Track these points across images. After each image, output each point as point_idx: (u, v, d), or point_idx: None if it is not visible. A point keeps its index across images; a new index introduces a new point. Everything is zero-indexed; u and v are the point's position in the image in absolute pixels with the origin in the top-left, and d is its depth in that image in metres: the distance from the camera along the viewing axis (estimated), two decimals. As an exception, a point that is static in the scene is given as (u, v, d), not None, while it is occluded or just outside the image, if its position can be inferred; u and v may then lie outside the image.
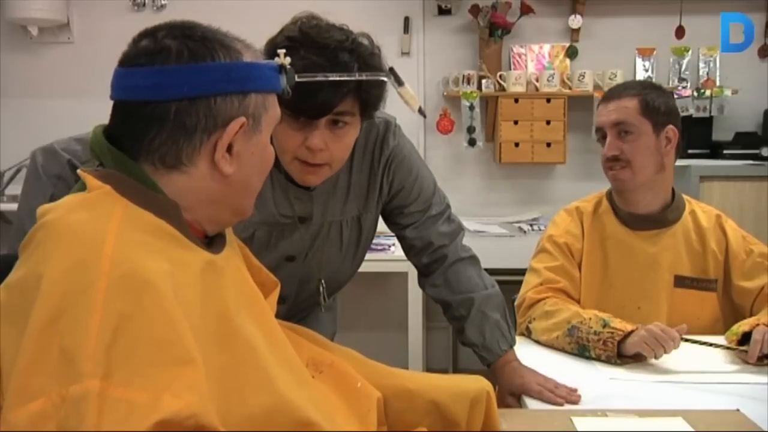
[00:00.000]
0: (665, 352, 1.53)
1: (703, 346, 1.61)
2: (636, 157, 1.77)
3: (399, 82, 1.30)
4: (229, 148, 0.93)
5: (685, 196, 1.90)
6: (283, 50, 1.02)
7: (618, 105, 1.78)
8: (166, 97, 0.90)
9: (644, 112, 1.76)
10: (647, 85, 1.88)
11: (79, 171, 0.93)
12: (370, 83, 1.28)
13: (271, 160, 1.02)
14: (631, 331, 1.58)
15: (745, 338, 1.61)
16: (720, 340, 1.68)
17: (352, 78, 1.23)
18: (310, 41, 1.25)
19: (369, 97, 1.30)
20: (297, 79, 1.04)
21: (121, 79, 0.93)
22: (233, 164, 0.94)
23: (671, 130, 1.78)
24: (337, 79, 1.22)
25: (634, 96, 1.78)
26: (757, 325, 1.62)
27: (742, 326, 1.65)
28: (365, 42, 1.31)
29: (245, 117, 0.93)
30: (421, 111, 1.35)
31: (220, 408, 0.83)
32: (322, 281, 1.56)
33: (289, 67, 1.00)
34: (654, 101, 1.77)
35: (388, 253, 3.17)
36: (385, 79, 1.27)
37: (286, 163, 1.35)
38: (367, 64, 1.28)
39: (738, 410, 1.33)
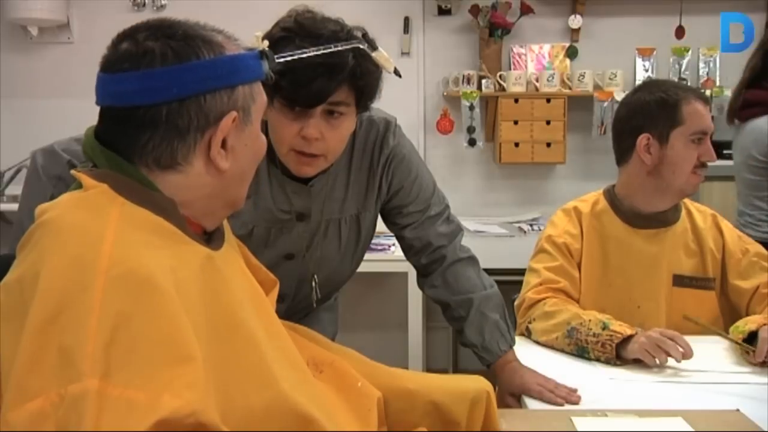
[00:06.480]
0: (669, 356, 1.52)
1: (703, 344, 1.60)
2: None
3: (373, 47, 1.32)
4: (223, 143, 0.93)
5: None
6: (260, 33, 1.02)
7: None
8: (155, 101, 0.89)
9: None
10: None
11: (73, 172, 0.93)
12: (364, 72, 1.30)
13: (263, 148, 1.02)
14: (631, 335, 1.57)
15: (752, 336, 1.61)
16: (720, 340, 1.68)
17: (328, 50, 1.24)
18: (305, 31, 1.27)
19: (364, 86, 1.31)
20: (277, 59, 1.04)
21: (106, 85, 0.93)
22: (228, 159, 0.94)
23: None
24: (320, 53, 1.22)
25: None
26: (765, 324, 1.62)
27: (749, 324, 1.64)
28: (359, 34, 1.32)
29: (236, 111, 0.93)
30: (396, 71, 1.36)
31: (220, 403, 0.82)
32: (315, 277, 1.56)
33: (268, 51, 1.00)
34: None
35: (388, 253, 3.17)
36: (361, 46, 1.29)
37: (283, 155, 1.36)
38: (361, 54, 1.29)
39: (738, 410, 1.33)
